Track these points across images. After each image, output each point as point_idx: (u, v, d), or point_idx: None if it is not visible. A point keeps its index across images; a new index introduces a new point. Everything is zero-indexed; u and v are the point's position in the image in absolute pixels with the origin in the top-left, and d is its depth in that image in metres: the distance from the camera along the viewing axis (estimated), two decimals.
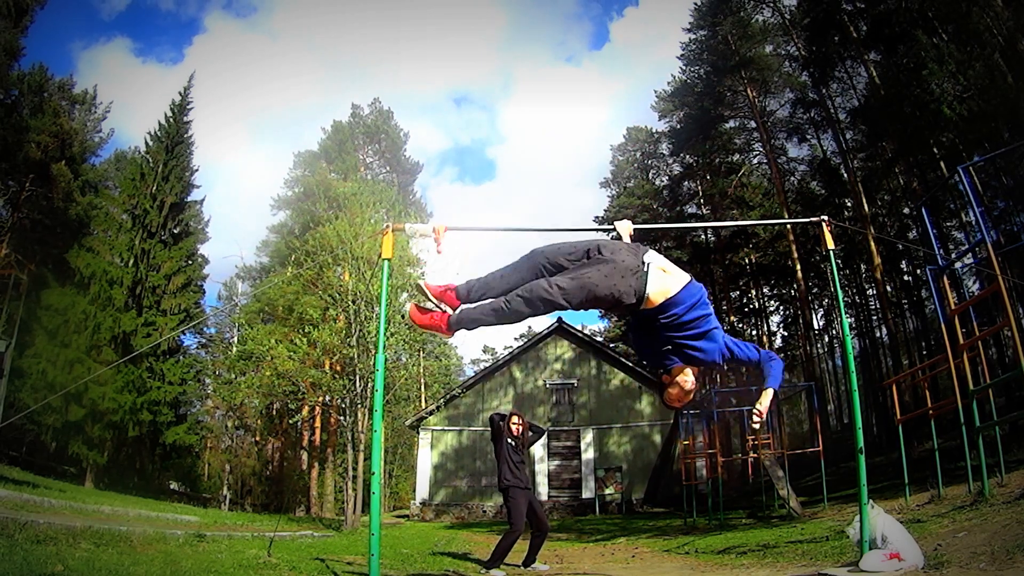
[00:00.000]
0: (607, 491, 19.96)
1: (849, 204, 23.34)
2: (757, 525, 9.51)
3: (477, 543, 9.47)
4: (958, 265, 9.26)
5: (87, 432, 18.61)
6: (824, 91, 21.92)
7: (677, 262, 2.65)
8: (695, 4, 26.53)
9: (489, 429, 6.07)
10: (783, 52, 24.50)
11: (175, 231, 23.78)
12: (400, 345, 14.83)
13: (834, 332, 30.44)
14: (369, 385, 12.84)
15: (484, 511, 20.06)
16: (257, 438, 30.58)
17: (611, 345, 29.23)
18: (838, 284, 4.63)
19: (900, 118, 16.28)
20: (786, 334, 30.89)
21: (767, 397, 2.70)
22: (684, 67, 28.37)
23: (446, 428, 21.48)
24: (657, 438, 20.78)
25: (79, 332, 19.38)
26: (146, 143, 24.10)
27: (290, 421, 20.62)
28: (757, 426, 2.80)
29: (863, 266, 24.57)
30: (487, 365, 22.00)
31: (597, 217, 34.58)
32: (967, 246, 13.94)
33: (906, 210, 21.07)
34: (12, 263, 15.20)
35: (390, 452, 34.04)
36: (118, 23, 74.34)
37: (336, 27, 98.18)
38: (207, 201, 65.81)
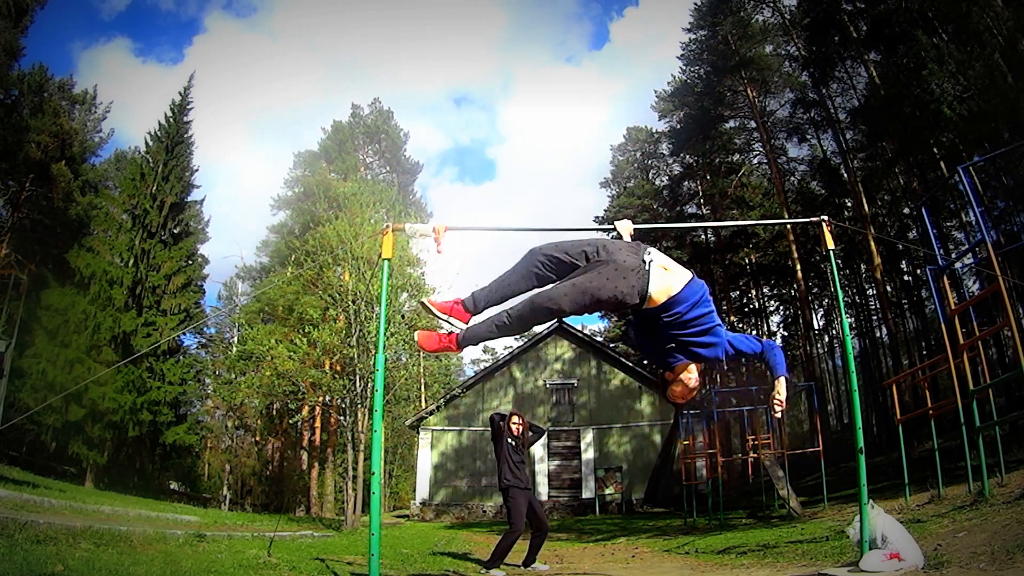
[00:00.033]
0: (607, 491, 19.96)
1: (849, 204, 23.34)
2: (757, 525, 9.51)
3: (477, 543, 9.47)
4: (958, 265, 9.26)
5: (87, 432, 18.61)
6: (824, 91, 21.93)
7: (677, 262, 2.64)
8: (695, 4, 26.55)
9: (489, 429, 6.07)
10: (783, 52, 24.50)
11: (175, 231, 23.80)
12: (400, 345, 14.82)
13: (834, 332, 30.47)
14: (369, 385, 12.84)
15: (484, 511, 20.06)
16: (257, 438, 30.58)
17: (611, 345, 29.24)
18: (838, 284, 4.63)
19: (900, 118, 16.28)
20: (786, 334, 30.90)
21: (781, 385, 2.69)
22: (684, 67, 28.39)
23: (446, 428, 21.48)
24: (657, 438, 20.78)
25: (79, 332, 19.38)
26: (146, 143, 24.14)
27: (290, 421, 20.63)
28: (779, 415, 2.78)
29: (863, 266, 24.58)
30: (487, 365, 22.01)
31: (597, 217, 34.62)
32: (967, 246, 13.94)
33: (906, 210, 21.08)
34: (12, 263, 15.21)
35: (390, 452, 34.03)
36: (118, 23, 74.44)
37: (336, 27, 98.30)
38: (207, 201, 65.88)
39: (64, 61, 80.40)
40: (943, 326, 6.73)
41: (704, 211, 29.77)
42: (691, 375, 2.55)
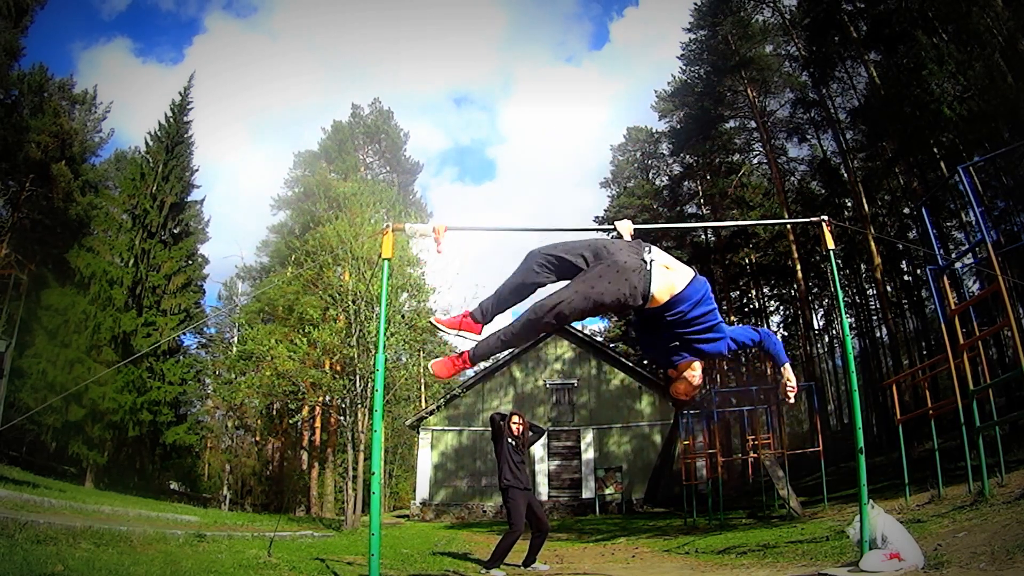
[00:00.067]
0: (607, 491, 19.97)
1: (849, 204, 23.36)
2: (757, 525, 9.51)
3: (477, 543, 9.47)
4: (958, 265, 9.26)
5: (87, 432, 18.61)
6: (824, 91, 21.94)
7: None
8: (695, 4, 26.57)
9: (489, 429, 6.07)
10: (783, 52, 24.52)
11: (175, 231, 23.80)
12: (400, 345, 14.84)
13: (834, 332, 30.45)
14: (369, 385, 12.84)
15: (484, 511, 20.06)
16: (257, 438, 30.59)
17: (611, 345, 29.24)
18: (838, 284, 4.63)
19: (900, 118, 16.29)
20: (786, 334, 30.87)
21: (789, 372, 2.74)
22: (684, 67, 28.40)
23: (446, 428, 21.48)
24: (657, 438, 20.78)
25: (79, 332, 19.38)
26: (146, 143, 24.15)
27: (290, 421, 20.64)
28: (792, 400, 2.81)
29: (863, 266, 24.58)
30: (487, 365, 21.96)
31: (597, 217, 34.64)
32: (967, 246, 13.94)
33: (906, 210, 21.08)
34: (12, 263, 15.19)
35: (390, 452, 34.02)
36: (118, 23, 74.28)
37: (336, 27, 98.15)
38: (207, 201, 65.82)
39: (64, 61, 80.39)
40: (943, 326, 6.73)
41: (704, 211, 29.78)
42: (695, 372, 2.54)
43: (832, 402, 33.44)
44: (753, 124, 25.75)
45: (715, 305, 2.46)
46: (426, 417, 21.26)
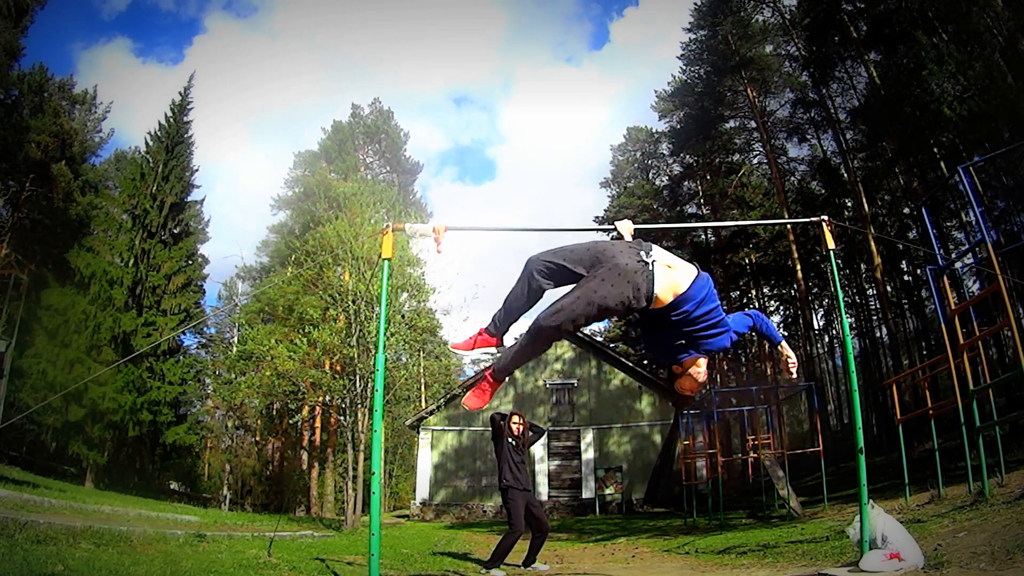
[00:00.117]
0: (607, 491, 19.97)
1: (849, 204, 23.35)
2: (757, 525, 9.51)
3: (477, 543, 9.47)
4: (958, 265, 9.27)
5: (87, 432, 18.61)
6: (824, 91, 21.94)
7: None
8: (695, 4, 26.58)
9: (489, 429, 6.07)
10: (783, 52, 24.52)
11: (175, 231, 23.80)
12: (400, 345, 14.83)
13: (834, 332, 30.44)
14: (369, 385, 12.84)
15: (484, 511, 20.06)
16: (257, 438, 30.58)
17: (611, 345, 29.24)
18: (838, 284, 4.62)
19: (900, 118, 16.30)
20: (786, 334, 30.85)
21: (786, 348, 2.87)
22: (684, 67, 28.41)
23: (446, 428, 21.48)
24: (657, 438, 20.77)
25: (79, 332, 19.38)
26: (146, 143, 24.15)
27: (290, 421, 20.60)
28: (795, 375, 2.92)
29: (863, 266, 24.58)
30: (487, 365, 21.96)
31: (597, 217, 34.63)
32: (967, 246, 13.95)
33: (906, 210, 21.08)
34: (12, 263, 15.18)
35: (390, 452, 34.04)
36: (118, 23, 74.20)
37: (336, 27, 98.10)
38: (207, 201, 65.85)
39: (64, 61, 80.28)
40: (943, 326, 6.73)
41: (704, 211, 29.78)
42: (700, 369, 2.52)
43: (832, 402, 33.43)
44: (753, 124, 25.76)
45: (718, 301, 2.44)
46: (426, 417, 21.26)
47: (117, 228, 22.15)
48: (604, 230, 3.54)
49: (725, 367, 27.86)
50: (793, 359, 2.88)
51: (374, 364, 3.55)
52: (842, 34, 19.51)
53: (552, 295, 2.51)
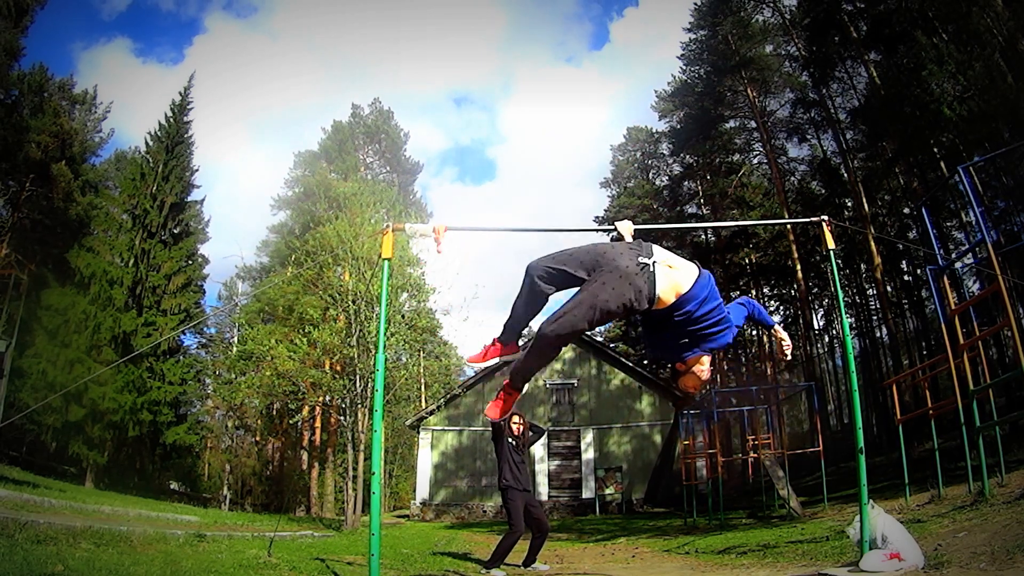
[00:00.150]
0: (607, 491, 19.96)
1: (849, 204, 23.36)
2: (757, 525, 9.51)
3: (477, 543, 9.47)
4: (958, 265, 9.26)
5: (87, 432, 18.61)
6: (824, 91, 21.94)
7: None
8: (695, 4, 26.59)
9: (489, 429, 6.07)
10: (783, 52, 24.53)
11: (175, 231, 23.80)
12: (400, 345, 14.84)
13: (834, 332, 30.44)
14: (369, 385, 12.84)
15: (484, 511, 20.07)
16: (257, 438, 30.59)
17: (611, 345, 29.24)
18: (838, 284, 4.62)
19: (900, 118, 16.30)
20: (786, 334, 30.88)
21: (780, 331, 2.92)
22: (684, 67, 28.42)
23: (446, 428, 21.48)
24: (657, 438, 20.78)
25: (79, 332, 19.38)
26: (146, 143, 24.16)
27: (290, 421, 20.61)
28: (789, 356, 2.96)
29: (863, 266, 24.57)
30: (488, 365, 21.91)
31: (597, 217, 34.64)
32: (967, 246, 13.94)
33: (906, 210, 21.08)
34: (12, 263, 15.18)
35: (390, 452, 34.03)
36: (118, 23, 74.20)
37: (336, 27, 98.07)
38: (207, 201, 65.91)
39: (64, 61, 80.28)
40: (943, 326, 6.73)
41: (704, 211, 29.79)
42: (703, 366, 2.51)
43: (832, 402, 33.43)
44: (753, 124, 25.77)
45: (720, 299, 2.43)
46: (426, 417, 21.25)
47: (117, 228, 22.16)
48: (604, 230, 3.54)
49: (725, 367, 27.85)
50: (787, 341, 2.89)
51: (374, 364, 3.55)
52: (842, 34, 19.52)
53: (554, 301, 2.52)
